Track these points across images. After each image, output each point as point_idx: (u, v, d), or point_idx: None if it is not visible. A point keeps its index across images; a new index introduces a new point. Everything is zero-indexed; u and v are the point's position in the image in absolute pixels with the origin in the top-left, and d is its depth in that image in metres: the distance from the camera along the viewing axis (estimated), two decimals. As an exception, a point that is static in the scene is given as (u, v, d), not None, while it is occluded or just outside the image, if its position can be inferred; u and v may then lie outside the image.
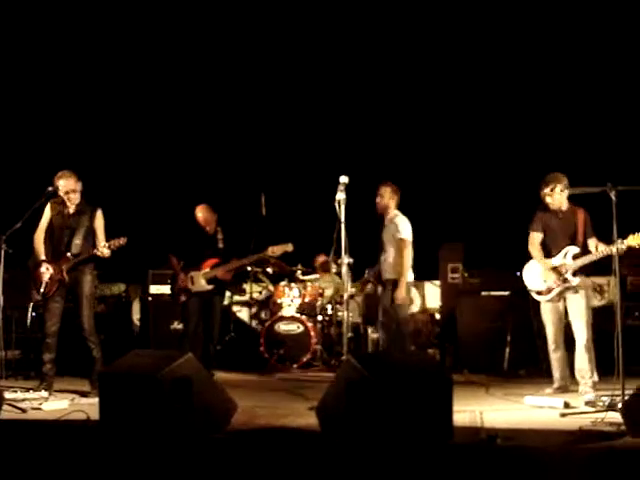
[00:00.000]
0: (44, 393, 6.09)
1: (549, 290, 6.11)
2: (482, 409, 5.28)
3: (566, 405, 5.33)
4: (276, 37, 9.71)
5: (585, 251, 5.99)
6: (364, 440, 4.07)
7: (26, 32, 9.43)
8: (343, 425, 4.27)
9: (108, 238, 6.32)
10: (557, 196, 6.06)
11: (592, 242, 5.99)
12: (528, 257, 6.32)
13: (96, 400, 4.84)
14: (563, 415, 5.04)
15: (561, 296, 6.09)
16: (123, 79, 9.88)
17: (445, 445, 4.16)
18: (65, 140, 9.66)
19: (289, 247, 6.94)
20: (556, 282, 6.05)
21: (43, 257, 6.38)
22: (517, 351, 7.52)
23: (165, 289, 8.32)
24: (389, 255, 6.64)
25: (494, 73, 9.60)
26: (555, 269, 6.06)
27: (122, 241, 6.23)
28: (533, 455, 4.10)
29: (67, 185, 6.32)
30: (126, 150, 10.07)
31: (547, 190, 6.07)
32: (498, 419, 5.00)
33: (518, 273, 6.49)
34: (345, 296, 5.78)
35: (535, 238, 6.25)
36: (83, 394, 6.13)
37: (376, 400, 4.08)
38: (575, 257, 6.00)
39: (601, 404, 5.20)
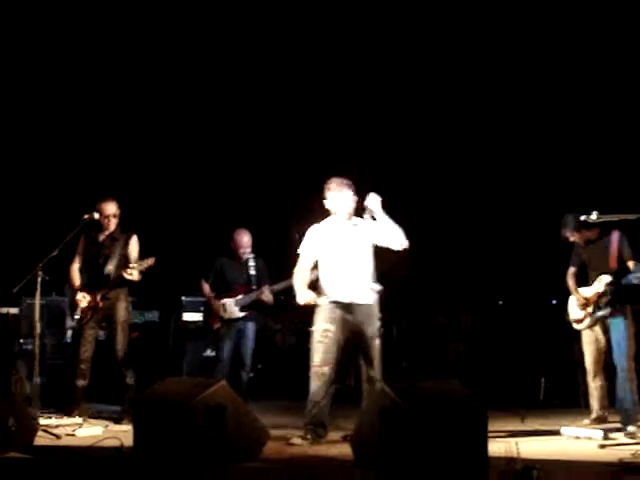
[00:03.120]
0: (78, 419, 6.12)
1: (583, 319, 6.08)
2: (518, 439, 5.19)
3: (605, 436, 5.22)
4: (312, 73, 9.79)
5: (620, 276, 5.85)
6: (398, 470, 4.02)
7: (61, 66, 9.63)
8: (377, 454, 4.22)
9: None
10: (574, 235, 6.06)
11: (632, 264, 5.81)
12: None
13: (130, 427, 4.85)
14: (602, 446, 4.94)
15: (601, 324, 6.02)
16: (155, 108, 10.00)
17: (480, 476, 4.09)
18: (99, 167, 9.78)
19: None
20: (586, 312, 6.01)
21: (78, 285, 6.46)
22: (554, 380, 7.40)
23: (198, 316, 8.35)
24: None
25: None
26: (586, 299, 6.02)
27: (150, 261, 6.23)
28: (571, 487, 4.03)
29: (109, 209, 6.44)
30: (157, 182, 10.18)
31: (566, 232, 6.07)
32: (534, 450, 4.90)
33: (554, 301, 6.43)
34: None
35: (569, 270, 6.28)
36: (117, 421, 6.16)
37: (410, 429, 4.03)
38: (608, 285, 5.89)
39: (641, 436, 5.10)
